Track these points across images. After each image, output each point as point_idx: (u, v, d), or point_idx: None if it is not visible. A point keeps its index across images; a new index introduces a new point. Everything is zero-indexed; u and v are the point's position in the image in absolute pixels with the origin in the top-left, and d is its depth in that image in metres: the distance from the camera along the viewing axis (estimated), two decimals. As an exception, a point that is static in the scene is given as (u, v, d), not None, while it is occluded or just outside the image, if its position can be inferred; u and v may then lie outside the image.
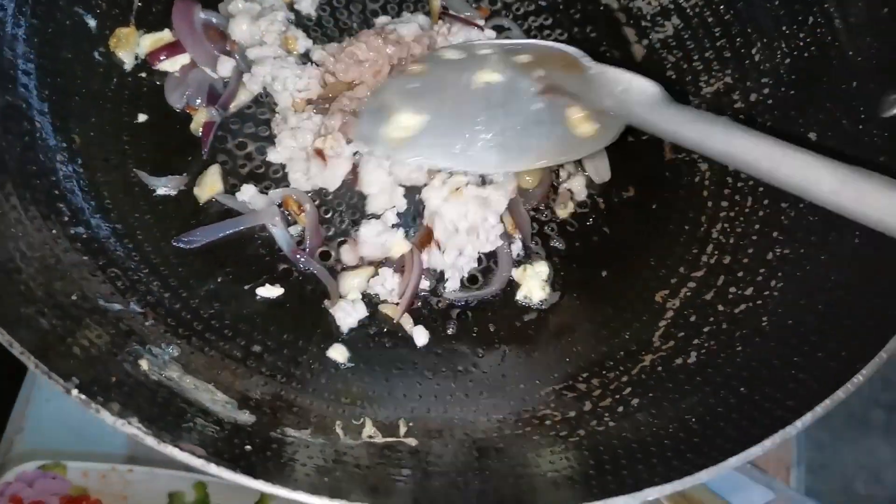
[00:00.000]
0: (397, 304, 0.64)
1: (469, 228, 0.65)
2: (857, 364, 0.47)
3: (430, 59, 0.69)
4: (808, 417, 0.44)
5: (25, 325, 0.47)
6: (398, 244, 0.65)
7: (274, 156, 0.68)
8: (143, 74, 0.70)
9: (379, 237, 0.64)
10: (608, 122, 0.63)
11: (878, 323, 0.49)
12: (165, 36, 0.71)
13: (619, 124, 0.63)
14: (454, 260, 0.65)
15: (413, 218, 0.68)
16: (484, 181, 0.67)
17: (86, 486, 0.80)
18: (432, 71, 0.68)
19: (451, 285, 0.66)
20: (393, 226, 0.66)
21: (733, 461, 0.43)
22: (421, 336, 0.64)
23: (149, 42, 0.71)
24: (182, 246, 0.64)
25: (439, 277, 0.66)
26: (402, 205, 0.67)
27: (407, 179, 0.67)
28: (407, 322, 0.64)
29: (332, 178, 0.67)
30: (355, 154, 0.67)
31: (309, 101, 0.69)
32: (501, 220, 0.67)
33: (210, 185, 0.67)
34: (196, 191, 0.67)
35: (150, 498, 0.80)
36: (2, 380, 0.87)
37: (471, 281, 0.67)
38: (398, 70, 0.69)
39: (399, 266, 0.65)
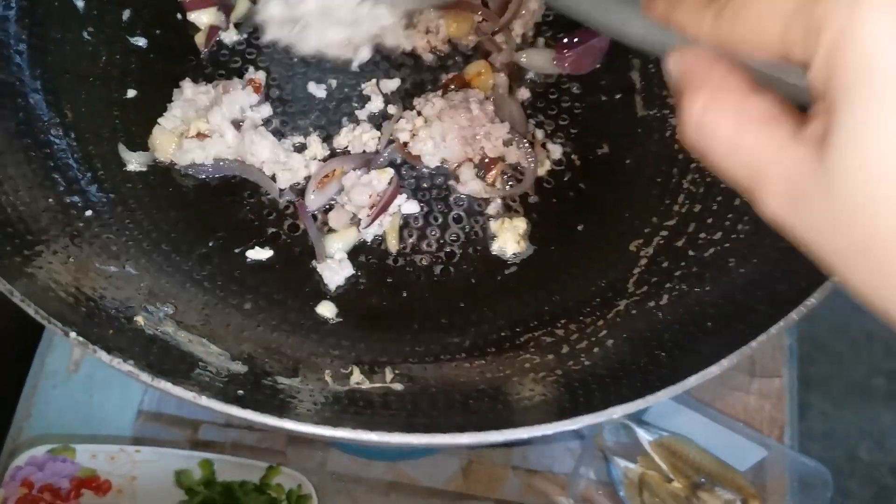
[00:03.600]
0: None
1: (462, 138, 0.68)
2: (811, 290, 0.49)
3: None
4: (762, 337, 0.47)
5: (26, 279, 0.50)
6: (382, 174, 0.68)
7: (164, 122, 0.70)
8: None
9: (361, 178, 0.67)
10: None
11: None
12: None
13: None
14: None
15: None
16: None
17: (95, 468, 0.83)
18: None
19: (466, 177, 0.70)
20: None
21: (692, 380, 0.46)
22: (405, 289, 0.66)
23: None
24: (191, 172, 0.68)
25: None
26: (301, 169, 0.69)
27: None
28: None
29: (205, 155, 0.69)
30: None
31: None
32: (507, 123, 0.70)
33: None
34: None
35: (157, 477, 0.83)
36: (8, 368, 0.90)
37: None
38: None
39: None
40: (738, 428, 0.89)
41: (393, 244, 0.68)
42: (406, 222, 0.69)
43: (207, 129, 0.68)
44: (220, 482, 0.83)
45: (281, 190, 0.69)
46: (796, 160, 0.29)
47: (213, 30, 0.73)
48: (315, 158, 0.69)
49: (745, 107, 0.31)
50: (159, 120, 0.68)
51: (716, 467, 0.87)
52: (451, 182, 0.70)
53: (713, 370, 0.46)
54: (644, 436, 0.87)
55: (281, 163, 0.68)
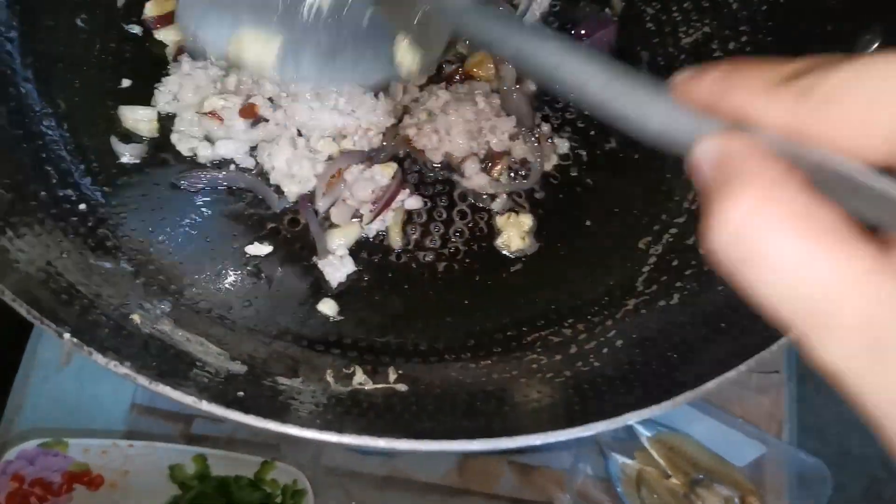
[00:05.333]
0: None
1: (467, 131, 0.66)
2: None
3: None
4: (783, 341, 0.46)
5: (16, 275, 0.48)
6: (385, 168, 0.66)
7: (160, 101, 0.67)
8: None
9: (363, 173, 0.65)
10: (428, 49, 0.60)
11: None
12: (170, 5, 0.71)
13: (436, 51, 0.61)
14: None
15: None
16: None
17: (87, 462, 0.81)
18: None
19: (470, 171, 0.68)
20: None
21: (711, 385, 0.45)
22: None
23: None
24: (185, 186, 0.65)
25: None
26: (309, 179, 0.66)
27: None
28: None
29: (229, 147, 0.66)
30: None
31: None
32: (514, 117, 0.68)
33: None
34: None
35: (151, 472, 0.82)
36: (-1, 360, 0.88)
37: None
38: None
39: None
40: (737, 424, 0.88)
41: (396, 240, 0.67)
42: (409, 218, 0.68)
43: (224, 106, 0.64)
44: (214, 477, 0.82)
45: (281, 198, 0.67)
46: (881, 299, 0.21)
47: (182, 49, 0.70)
48: (323, 155, 0.67)
49: (811, 218, 0.22)
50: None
51: (714, 464, 0.87)
52: (456, 177, 0.69)
53: (731, 374, 0.45)
54: (642, 432, 0.86)
55: (290, 175, 0.66)
